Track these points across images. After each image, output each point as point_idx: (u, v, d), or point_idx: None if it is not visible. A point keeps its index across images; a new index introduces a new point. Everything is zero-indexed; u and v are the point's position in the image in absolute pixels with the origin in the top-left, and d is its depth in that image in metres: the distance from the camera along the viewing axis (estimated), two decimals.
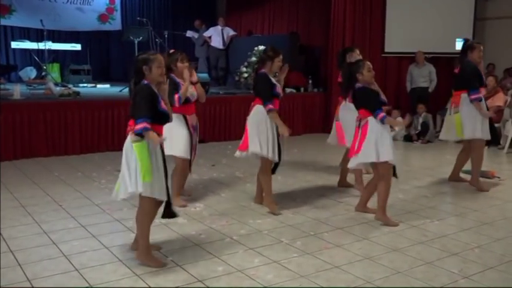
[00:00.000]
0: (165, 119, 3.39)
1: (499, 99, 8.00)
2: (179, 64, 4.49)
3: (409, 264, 3.46)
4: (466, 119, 5.34)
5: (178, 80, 4.47)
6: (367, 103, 4.25)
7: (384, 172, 4.27)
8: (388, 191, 4.33)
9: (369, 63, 4.33)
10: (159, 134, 3.31)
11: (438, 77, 9.17)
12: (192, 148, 4.65)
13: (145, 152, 3.23)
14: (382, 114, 4.16)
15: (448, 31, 9.97)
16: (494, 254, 3.68)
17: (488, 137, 5.41)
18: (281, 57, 4.54)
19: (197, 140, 4.80)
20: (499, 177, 5.89)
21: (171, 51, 4.70)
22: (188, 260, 3.44)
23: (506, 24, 9.85)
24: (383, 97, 4.33)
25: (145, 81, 3.28)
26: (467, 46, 5.56)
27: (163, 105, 3.34)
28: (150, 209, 3.38)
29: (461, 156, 5.75)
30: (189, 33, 11.62)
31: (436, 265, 3.46)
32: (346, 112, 5.12)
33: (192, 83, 4.58)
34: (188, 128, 4.59)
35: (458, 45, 10.14)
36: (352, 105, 4.58)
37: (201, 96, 4.73)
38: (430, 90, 9.10)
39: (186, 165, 4.65)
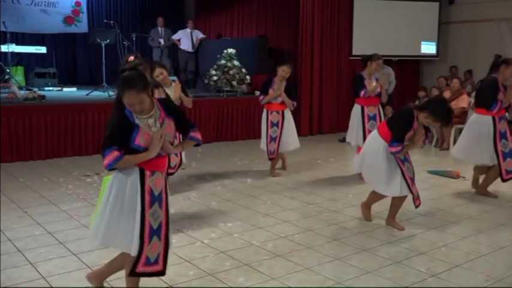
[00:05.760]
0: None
1: (463, 101, 8.20)
2: None
3: (379, 264, 3.50)
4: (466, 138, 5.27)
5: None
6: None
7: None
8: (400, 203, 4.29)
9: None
10: (154, 169, 2.70)
11: (404, 80, 9.34)
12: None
13: (106, 188, 2.73)
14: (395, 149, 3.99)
15: (414, 35, 10.21)
16: (460, 252, 3.76)
17: (483, 161, 5.21)
18: (160, 70, 4.90)
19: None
20: (464, 177, 6.04)
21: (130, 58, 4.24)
22: None
23: (469, 27, 10.15)
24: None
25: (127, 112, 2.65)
26: (502, 61, 5.07)
27: (139, 141, 2.62)
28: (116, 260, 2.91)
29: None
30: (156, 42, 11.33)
31: (404, 264, 3.52)
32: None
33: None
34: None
35: (424, 48, 10.43)
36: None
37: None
38: (389, 92, 9.16)
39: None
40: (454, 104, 8.33)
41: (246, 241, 3.93)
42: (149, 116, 2.66)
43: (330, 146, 8.54)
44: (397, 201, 4.28)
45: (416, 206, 4.24)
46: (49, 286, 3.10)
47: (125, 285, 2.97)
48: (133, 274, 2.76)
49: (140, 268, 2.74)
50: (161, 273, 2.82)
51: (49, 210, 4.66)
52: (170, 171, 4.97)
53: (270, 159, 6.05)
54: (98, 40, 9.69)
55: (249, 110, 8.93)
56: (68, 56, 12.68)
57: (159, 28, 11.20)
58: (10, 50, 10.17)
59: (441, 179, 6.10)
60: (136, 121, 2.63)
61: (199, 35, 11.39)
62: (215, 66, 9.34)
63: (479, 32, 9.91)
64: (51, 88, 10.18)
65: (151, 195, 2.70)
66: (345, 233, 4.15)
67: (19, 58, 11.08)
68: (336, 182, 5.90)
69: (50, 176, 5.96)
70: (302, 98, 9.56)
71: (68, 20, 12.25)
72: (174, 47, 11.54)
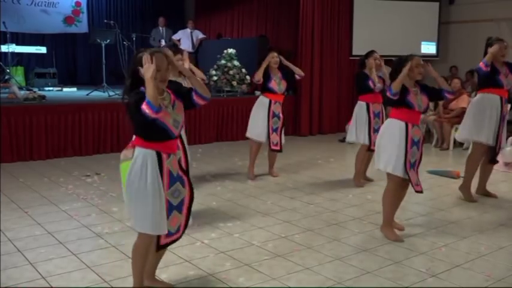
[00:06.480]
0: (164, 135, 2.75)
1: (463, 101, 8.19)
2: None
3: (379, 264, 3.50)
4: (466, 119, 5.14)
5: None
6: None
7: (388, 181, 4.06)
8: (390, 203, 4.05)
9: (418, 58, 4.00)
10: (169, 151, 2.80)
11: None
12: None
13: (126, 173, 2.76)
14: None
15: (414, 34, 10.21)
16: (460, 252, 3.76)
17: (488, 141, 4.97)
18: (179, 56, 4.88)
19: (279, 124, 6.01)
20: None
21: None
22: (159, 265, 3.40)
23: (469, 27, 10.14)
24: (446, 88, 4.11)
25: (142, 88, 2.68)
26: (486, 44, 5.02)
27: (163, 118, 2.69)
28: (140, 245, 2.87)
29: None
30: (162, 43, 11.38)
31: (404, 264, 3.52)
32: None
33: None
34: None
35: (424, 48, 10.43)
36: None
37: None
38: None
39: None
40: (454, 104, 8.35)
41: (246, 241, 3.93)
42: (163, 98, 2.75)
43: (330, 146, 8.54)
44: (391, 194, 4.08)
45: (417, 191, 4.02)
46: (49, 286, 3.11)
47: (124, 286, 2.97)
48: (160, 248, 2.93)
49: (163, 241, 2.90)
50: (179, 238, 3.00)
51: (49, 210, 4.66)
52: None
53: (273, 150, 6.00)
54: (98, 40, 9.70)
55: (249, 110, 8.80)
56: (68, 56, 12.70)
57: (161, 28, 11.21)
58: (10, 50, 10.19)
59: (441, 179, 6.10)
60: None
61: (199, 35, 11.40)
62: (215, 66, 9.34)
63: (479, 32, 9.88)
64: (51, 88, 10.19)
65: (170, 177, 2.84)
66: (345, 233, 4.15)
67: (19, 58, 11.09)
68: (336, 182, 5.90)
69: (50, 176, 5.96)
70: (302, 98, 9.58)
71: (68, 20, 12.27)
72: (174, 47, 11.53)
